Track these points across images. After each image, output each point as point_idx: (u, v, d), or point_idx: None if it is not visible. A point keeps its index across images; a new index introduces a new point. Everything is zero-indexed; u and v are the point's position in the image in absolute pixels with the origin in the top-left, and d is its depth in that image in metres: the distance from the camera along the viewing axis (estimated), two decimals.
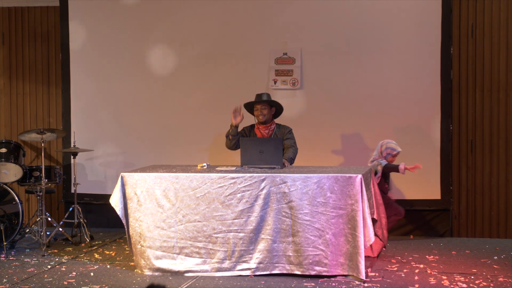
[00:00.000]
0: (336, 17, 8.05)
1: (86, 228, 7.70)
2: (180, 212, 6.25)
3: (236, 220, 6.16)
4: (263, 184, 6.12)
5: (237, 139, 7.09)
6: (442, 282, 5.92)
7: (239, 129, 7.21)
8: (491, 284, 5.84)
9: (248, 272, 6.17)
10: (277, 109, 7.23)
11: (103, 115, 8.63)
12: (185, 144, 8.40)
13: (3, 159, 7.57)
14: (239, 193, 6.16)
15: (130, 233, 6.39)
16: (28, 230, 7.60)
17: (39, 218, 7.51)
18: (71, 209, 7.85)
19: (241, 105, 7.14)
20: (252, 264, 6.17)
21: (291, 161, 7.00)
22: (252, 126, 7.26)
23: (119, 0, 8.49)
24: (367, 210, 5.95)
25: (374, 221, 6.61)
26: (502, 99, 7.87)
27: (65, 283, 6.03)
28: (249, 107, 7.23)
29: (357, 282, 5.89)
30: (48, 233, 7.63)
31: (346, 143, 8.00)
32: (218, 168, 6.60)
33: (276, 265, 6.12)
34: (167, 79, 8.45)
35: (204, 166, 6.73)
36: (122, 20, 8.53)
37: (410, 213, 8.01)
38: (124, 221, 6.41)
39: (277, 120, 7.31)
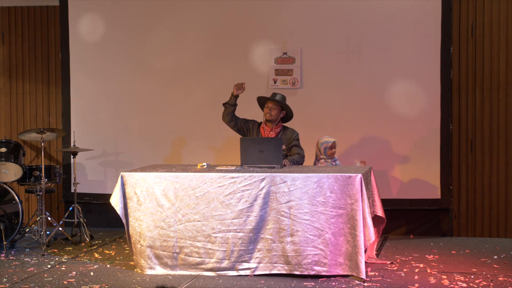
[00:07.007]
0: (336, 17, 8.05)
1: (86, 228, 7.70)
2: (179, 211, 6.25)
3: (235, 220, 6.16)
4: (262, 184, 6.12)
5: (232, 109, 7.11)
6: (442, 281, 5.92)
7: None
8: (491, 284, 5.84)
9: (247, 272, 6.17)
10: (288, 113, 7.20)
11: (103, 115, 8.63)
12: (185, 143, 8.40)
13: (3, 159, 7.57)
14: (238, 192, 6.15)
15: (130, 233, 6.39)
16: (28, 229, 7.59)
17: (39, 218, 7.51)
18: (71, 208, 7.85)
19: (243, 84, 7.11)
20: (252, 263, 6.16)
21: (293, 163, 6.99)
22: (259, 124, 7.23)
23: None
24: (367, 210, 5.94)
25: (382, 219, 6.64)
26: (502, 99, 7.87)
27: (65, 282, 6.03)
28: (261, 102, 7.22)
29: (357, 282, 5.89)
30: (48, 232, 7.64)
31: (345, 142, 8.00)
32: (217, 168, 6.60)
33: (276, 264, 6.12)
34: (167, 78, 8.45)
35: (204, 165, 6.73)
36: (122, 19, 8.53)
37: (410, 213, 8.02)
38: (124, 221, 6.41)
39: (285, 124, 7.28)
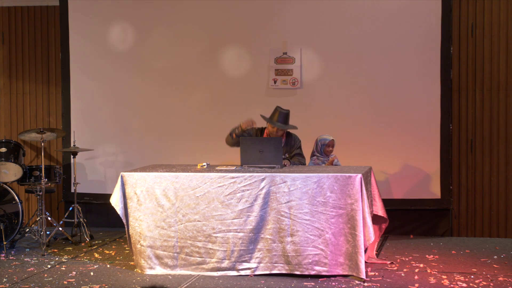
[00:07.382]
0: (336, 17, 8.05)
1: (86, 228, 7.70)
2: (180, 211, 6.25)
3: (235, 220, 6.16)
4: (263, 184, 6.12)
5: (238, 140, 7.05)
6: (442, 281, 5.92)
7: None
8: (491, 284, 5.84)
9: (248, 272, 6.17)
10: None
11: (103, 115, 8.63)
12: (185, 143, 8.40)
13: (3, 159, 7.57)
14: (238, 192, 6.15)
15: (130, 233, 6.39)
16: (28, 229, 7.59)
17: (39, 218, 7.51)
18: (71, 208, 7.85)
19: (253, 121, 7.05)
20: (252, 263, 6.16)
21: (293, 164, 6.97)
22: (262, 131, 7.20)
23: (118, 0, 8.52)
24: (367, 210, 5.95)
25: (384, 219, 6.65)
26: (502, 99, 7.87)
27: (65, 282, 6.03)
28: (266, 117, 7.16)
29: (357, 282, 5.89)
30: (48, 232, 7.64)
31: (345, 142, 7.99)
32: (218, 168, 6.60)
33: (276, 264, 6.12)
34: (167, 78, 8.45)
35: (204, 165, 6.73)
36: (122, 19, 8.52)
37: (410, 213, 8.02)
38: (124, 221, 6.41)
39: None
